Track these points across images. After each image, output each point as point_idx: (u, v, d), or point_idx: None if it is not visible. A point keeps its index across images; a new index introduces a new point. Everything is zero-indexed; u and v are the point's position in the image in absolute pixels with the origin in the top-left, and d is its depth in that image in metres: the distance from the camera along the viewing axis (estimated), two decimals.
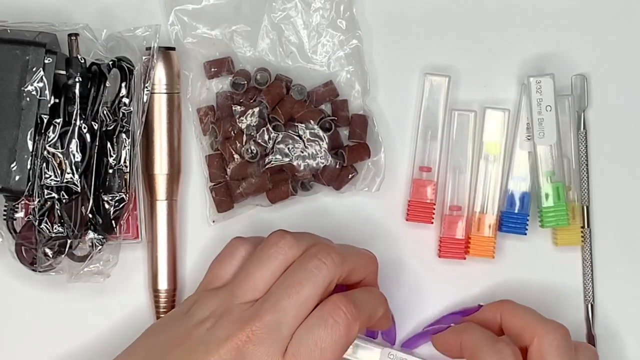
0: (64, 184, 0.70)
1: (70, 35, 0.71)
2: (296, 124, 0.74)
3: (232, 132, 0.75)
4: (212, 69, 0.76)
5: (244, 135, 0.74)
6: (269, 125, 0.74)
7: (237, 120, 0.74)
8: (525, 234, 0.76)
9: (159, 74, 0.74)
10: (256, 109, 0.74)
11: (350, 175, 0.75)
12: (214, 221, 0.76)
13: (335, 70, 0.76)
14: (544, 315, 0.69)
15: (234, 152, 0.74)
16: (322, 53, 0.76)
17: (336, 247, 0.66)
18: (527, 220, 0.75)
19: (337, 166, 0.74)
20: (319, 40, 0.76)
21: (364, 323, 0.66)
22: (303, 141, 0.74)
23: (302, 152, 0.74)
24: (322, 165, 0.74)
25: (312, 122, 0.74)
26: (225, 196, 0.75)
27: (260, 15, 0.76)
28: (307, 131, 0.74)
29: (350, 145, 0.75)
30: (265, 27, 0.76)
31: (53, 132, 0.69)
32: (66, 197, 0.70)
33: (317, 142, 0.74)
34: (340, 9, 0.76)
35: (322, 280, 0.64)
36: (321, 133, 0.74)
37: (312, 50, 0.76)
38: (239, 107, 0.75)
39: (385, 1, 0.77)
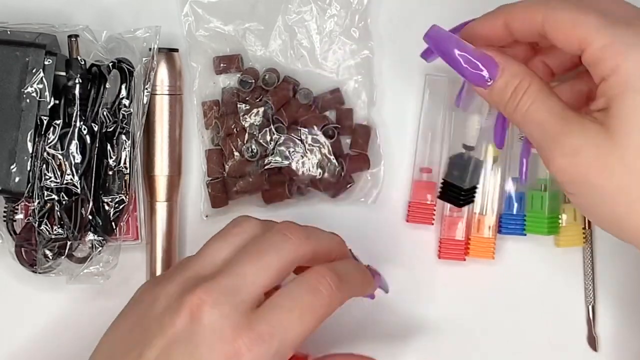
0: (63, 186, 0.69)
1: (70, 36, 0.71)
2: (299, 127, 0.74)
3: (235, 129, 0.75)
4: (221, 65, 0.76)
5: (246, 134, 0.74)
6: (272, 126, 0.74)
7: (241, 118, 0.74)
8: (525, 235, 0.75)
9: (162, 75, 0.74)
10: (261, 109, 0.74)
11: (348, 185, 0.75)
12: (207, 216, 0.76)
13: (344, 78, 0.76)
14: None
15: (234, 149, 0.74)
16: (332, 60, 0.76)
17: (301, 225, 0.63)
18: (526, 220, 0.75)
19: (336, 174, 0.74)
20: (331, 46, 0.76)
21: (345, 297, 0.62)
22: (304, 146, 0.74)
23: (302, 157, 0.74)
24: (320, 172, 0.74)
25: (315, 127, 0.74)
26: (220, 192, 0.75)
27: (275, 15, 0.76)
28: (310, 136, 0.74)
29: (351, 155, 0.75)
30: (279, 28, 0.76)
31: (53, 134, 0.69)
32: (66, 198, 0.70)
33: (318, 148, 0.74)
34: (355, 18, 0.76)
35: (286, 252, 0.61)
36: (323, 139, 0.74)
37: (323, 56, 0.76)
38: (244, 105, 0.75)
39: (399, 14, 0.77)
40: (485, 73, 0.60)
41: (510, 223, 0.75)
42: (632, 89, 0.56)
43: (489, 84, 0.60)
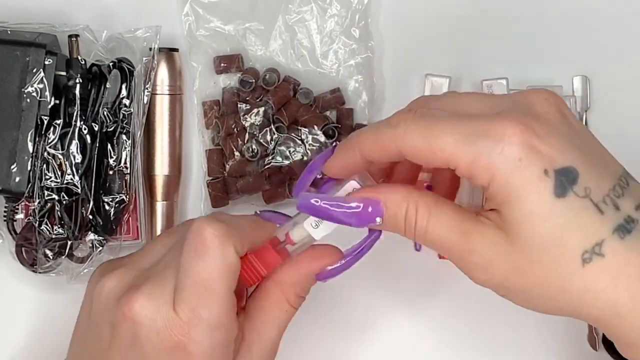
0: (64, 185, 0.70)
1: (70, 36, 0.71)
2: (299, 127, 0.74)
3: (235, 129, 0.75)
4: (222, 64, 0.76)
5: (247, 134, 0.74)
6: (272, 126, 0.74)
7: (241, 118, 0.74)
8: None
9: (162, 74, 0.74)
10: (261, 109, 0.74)
11: None
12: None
13: (344, 78, 0.76)
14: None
15: (234, 149, 0.74)
16: (332, 59, 0.76)
17: (217, 218, 0.61)
18: None
19: None
20: (331, 46, 0.76)
21: (242, 241, 0.59)
22: (304, 145, 0.74)
23: (303, 156, 0.74)
24: (320, 172, 0.74)
25: (315, 127, 0.74)
26: (221, 192, 0.75)
27: (275, 15, 0.76)
28: (310, 136, 0.74)
29: None
30: (279, 28, 0.76)
31: (53, 134, 0.69)
32: (66, 198, 0.70)
33: (318, 148, 0.74)
34: (356, 17, 0.76)
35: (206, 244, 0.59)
36: (323, 139, 0.74)
37: (323, 55, 0.76)
38: (244, 105, 0.75)
39: (399, 14, 0.77)
40: (371, 216, 0.58)
41: None
42: (515, 197, 0.55)
43: (379, 222, 0.58)
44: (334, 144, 0.62)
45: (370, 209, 0.58)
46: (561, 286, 0.56)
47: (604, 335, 0.63)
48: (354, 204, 0.58)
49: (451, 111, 0.57)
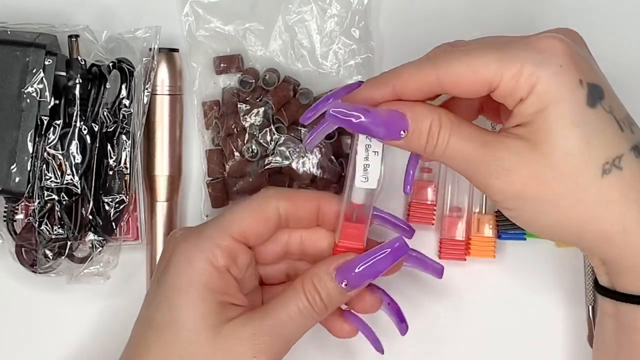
0: (64, 186, 0.70)
1: (70, 36, 0.71)
2: (299, 127, 0.74)
3: (235, 130, 0.75)
4: (222, 65, 0.76)
5: (247, 134, 0.74)
6: (272, 126, 0.74)
7: (241, 118, 0.74)
8: (525, 239, 0.75)
9: (162, 75, 0.74)
10: (261, 109, 0.74)
11: None
12: (207, 216, 0.76)
13: (344, 78, 0.76)
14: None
15: (234, 150, 0.74)
16: (332, 60, 0.76)
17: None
18: None
19: (336, 174, 0.74)
20: (331, 46, 0.76)
21: (290, 203, 0.65)
22: (305, 146, 0.74)
23: (303, 157, 0.74)
24: (320, 172, 0.74)
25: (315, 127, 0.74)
26: (221, 192, 0.75)
27: (275, 15, 0.76)
28: None
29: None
30: (279, 28, 0.76)
31: (53, 134, 0.69)
32: (66, 198, 0.70)
33: (318, 148, 0.74)
34: (355, 18, 0.76)
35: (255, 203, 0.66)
36: (323, 140, 0.74)
37: (323, 55, 0.76)
38: (244, 105, 0.75)
39: (399, 14, 0.77)
40: (396, 129, 0.60)
41: (509, 227, 0.75)
42: (553, 102, 0.58)
43: (403, 135, 0.60)
44: (358, 80, 0.63)
45: (396, 122, 0.60)
46: (578, 196, 0.59)
47: (595, 280, 0.66)
48: (384, 114, 0.60)
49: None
